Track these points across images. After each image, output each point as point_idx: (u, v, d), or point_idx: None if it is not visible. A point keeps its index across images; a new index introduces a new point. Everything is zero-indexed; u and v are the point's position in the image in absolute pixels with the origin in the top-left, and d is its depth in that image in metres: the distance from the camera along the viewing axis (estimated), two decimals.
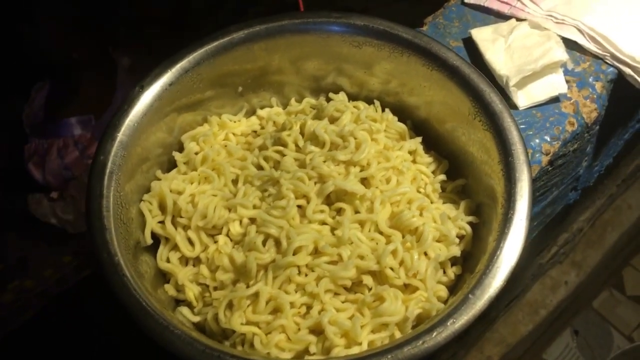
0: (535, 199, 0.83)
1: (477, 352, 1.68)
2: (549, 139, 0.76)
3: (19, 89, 1.50)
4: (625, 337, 1.92)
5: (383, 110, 0.73)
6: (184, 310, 0.60)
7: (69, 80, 1.45)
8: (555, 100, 0.79)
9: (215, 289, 0.61)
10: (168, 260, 0.63)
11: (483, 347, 1.70)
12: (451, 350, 1.47)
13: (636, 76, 0.80)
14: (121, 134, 0.62)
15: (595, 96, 0.80)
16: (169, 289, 0.62)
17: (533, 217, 0.88)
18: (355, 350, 0.55)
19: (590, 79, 0.81)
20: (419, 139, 0.71)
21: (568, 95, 0.80)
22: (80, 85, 1.42)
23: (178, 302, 0.63)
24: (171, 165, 0.70)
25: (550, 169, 0.79)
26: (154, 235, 0.63)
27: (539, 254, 1.53)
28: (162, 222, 0.64)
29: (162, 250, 0.63)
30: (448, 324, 0.51)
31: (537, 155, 0.76)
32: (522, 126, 0.77)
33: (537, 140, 0.76)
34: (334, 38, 0.70)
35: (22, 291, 1.59)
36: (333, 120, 0.70)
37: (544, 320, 1.74)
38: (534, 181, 0.75)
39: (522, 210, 0.57)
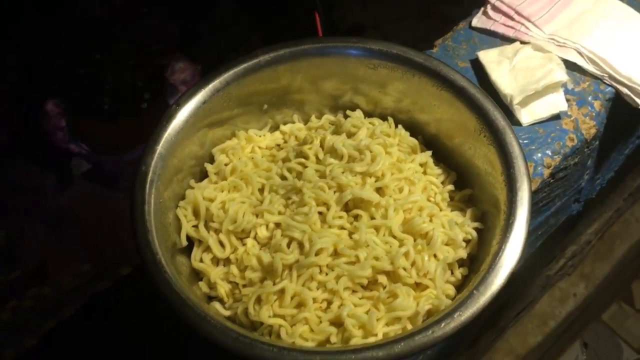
0: (538, 209, 0.89)
1: None
2: (550, 153, 0.82)
3: None
4: (635, 351, 1.94)
5: (396, 126, 0.79)
6: (216, 305, 0.67)
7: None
8: (557, 117, 0.85)
9: (244, 286, 0.67)
10: (201, 261, 0.69)
11: (493, 357, 1.73)
12: (463, 358, 1.51)
13: (633, 96, 0.86)
14: (160, 147, 0.68)
15: (594, 114, 0.86)
16: (202, 286, 0.68)
17: (537, 227, 0.94)
18: (371, 340, 0.61)
19: (590, 98, 0.87)
20: (429, 152, 0.77)
21: (568, 113, 0.86)
22: None
23: (210, 299, 0.69)
24: (203, 175, 0.76)
25: (552, 181, 0.85)
26: (188, 238, 0.70)
27: (546, 265, 1.58)
28: (196, 226, 0.70)
29: (196, 252, 0.70)
30: (455, 316, 0.57)
31: (539, 168, 0.82)
32: (525, 141, 0.83)
33: (539, 155, 0.82)
34: (351, 61, 0.76)
35: (40, 299, 1.65)
36: (350, 135, 0.77)
37: (553, 331, 1.77)
38: (536, 192, 0.82)
39: (522, 216, 0.63)
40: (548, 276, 1.67)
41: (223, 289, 0.68)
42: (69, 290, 1.66)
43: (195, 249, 0.70)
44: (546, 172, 0.82)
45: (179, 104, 0.71)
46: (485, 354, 1.70)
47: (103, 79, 1.49)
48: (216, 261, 0.70)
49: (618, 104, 0.90)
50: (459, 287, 0.68)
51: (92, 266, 1.65)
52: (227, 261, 0.70)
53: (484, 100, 0.70)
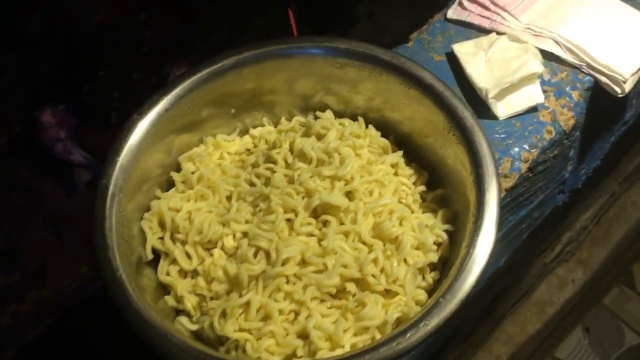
0: (519, 203, 0.87)
1: (485, 352, 1.71)
2: (527, 147, 0.81)
3: None
4: (637, 333, 1.93)
5: (367, 126, 0.77)
6: (183, 319, 0.65)
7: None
8: (534, 109, 0.83)
9: (212, 299, 0.66)
10: (168, 274, 0.68)
11: (491, 347, 1.72)
12: (458, 350, 1.50)
13: (612, 84, 0.84)
14: (122, 158, 0.67)
15: (572, 104, 0.84)
16: (169, 300, 0.67)
17: (520, 221, 0.92)
18: (338, 352, 0.59)
19: (567, 88, 0.85)
20: (400, 152, 0.75)
21: (546, 105, 0.84)
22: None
23: (178, 312, 0.68)
24: (170, 184, 0.75)
25: (530, 175, 0.83)
26: (154, 251, 0.68)
27: (540, 254, 1.56)
28: (161, 238, 0.69)
29: (162, 264, 0.68)
30: (420, 326, 0.56)
31: (516, 163, 0.80)
32: (502, 135, 0.81)
33: (516, 149, 0.80)
34: (317, 61, 0.74)
35: (39, 301, 1.64)
36: (320, 137, 0.75)
37: (552, 318, 1.76)
38: (514, 187, 0.80)
39: (490, 218, 0.61)
40: (544, 264, 1.66)
41: (190, 302, 0.66)
42: (68, 292, 1.66)
43: (161, 262, 0.68)
44: (524, 167, 0.80)
45: (141, 113, 0.70)
46: (483, 344, 1.69)
47: (109, 96, 1.48)
48: (183, 273, 0.68)
49: (598, 92, 0.87)
50: (431, 291, 0.67)
51: (91, 267, 1.65)
52: (194, 273, 0.68)
53: (452, 98, 0.68)
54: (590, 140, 0.99)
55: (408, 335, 0.55)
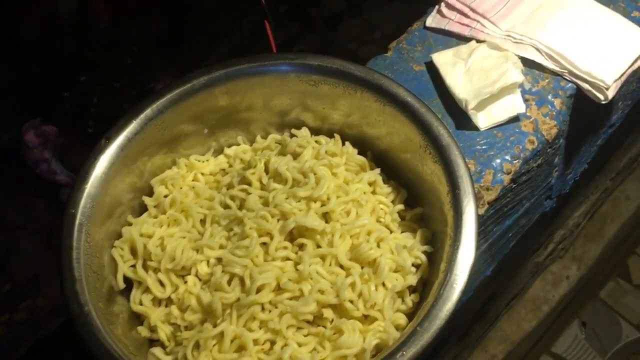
0: (503, 213, 0.86)
1: (481, 351, 1.70)
2: (509, 159, 0.79)
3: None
4: (634, 326, 1.92)
5: (344, 144, 0.75)
6: (157, 350, 0.64)
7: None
8: (515, 119, 0.81)
9: (186, 328, 0.64)
10: (141, 303, 0.66)
11: (487, 346, 1.71)
12: (454, 351, 1.49)
13: (594, 91, 0.82)
14: (89, 186, 0.65)
15: (554, 113, 0.82)
16: (142, 330, 0.65)
17: (506, 230, 0.91)
18: None
19: (550, 96, 0.83)
20: (378, 170, 0.73)
21: (528, 114, 0.82)
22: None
23: (152, 342, 0.66)
24: (143, 208, 0.73)
25: (514, 186, 0.81)
26: (127, 279, 0.66)
27: (533, 253, 1.55)
28: (133, 266, 0.67)
29: (135, 293, 0.66)
30: (397, 356, 0.54)
31: (499, 175, 0.78)
32: (483, 147, 0.80)
33: (498, 161, 0.79)
34: (290, 78, 0.73)
35: (34, 310, 1.63)
36: (296, 156, 0.73)
37: (548, 315, 1.75)
38: (497, 199, 0.78)
39: (468, 241, 0.59)
40: (537, 262, 1.65)
41: (164, 332, 0.65)
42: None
43: (134, 291, 0.67)
44: (506, 179, 0.78)
45: (109, 138, 0.68)
46: (478, 344, 1.68)
47: (88, 101, 1.46)
48: (157, 302, 0.67)
49: (582, 98, 0.86)
50: (412, 314, 0.65)
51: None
52: (168, 301, 0.67)
53: (428, 115, 0.67)
54: (576, 145, 0.97)
55: None
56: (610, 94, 0.81)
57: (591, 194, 1.68)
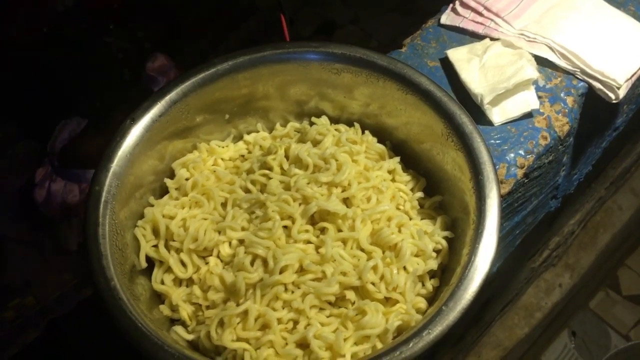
0: (514, 209, 0.87)
1: (474, 356, 1.71)
2: (523, 153, 0.80)
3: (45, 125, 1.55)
4: (623, 337, 1.94)
5: (363, 132, 0.76)
6: (179, 329, 0.64)
7: (94, 115, 1.49)
8: (529, 115, 0.83)
9: (208, 308, 0.65)
10: (162, 282, 0.66)
11: (480, 352, 1.72)
12: (449, 355, 1.50)
13: (606, 90, 0.84)
14: (115, 165, 0.65)
15: (567, 110, 0.84)
16: (164, 309, 0.65)
17: (514, 227, 0.92)
18: None
19: (562, 94, 0.85)
20: (397, 158, 0.75)
21: (541, 111, 0.83)
22: (108, 122, 1.46)
23: (173, 322, 0.66)
24: (163, 191, 0.73)
25: (526, 181, 0.82)
26: (148, 259, 0.67)
27: (530, 258, 1.56)
28: (155, 246, 0.67)
29: (157, 273, 0.67)
30: (423, 334, 0.55)
31: (512, 169, 0.79)
32: (497, 141, 0.81)
33: (512, 155, 0.80)
34: (313, 66, 0.74)
35: (23, 309, 1.62)
36: (316, 143, 0.74)
37: (540, 322, 1.76)
38: (510, 193, 0.80)
39: (492, 225, 0.60)
40: (532, 269, 1.66)
41: (185, 311, 0.65)
42: (53, 299, 1.64)
43: (155, 270, 0.67)
44: (520, 173, 0.80)
45: (134, 119, 0.68)
46: (472, 349, 1.69)
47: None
48: (178, 282, 0.67)
49: (592, 98, 0.87)
50: (431, 299, 0.66)
51: (74, 275, 1.63)
52: (189, 281, 0.67)
53: (451, 104, 0.68)
54: (583, 145, 0.99)
55: (411, 344, 0.54)
56: (622, 93, 0.83)
57: (587, 202, 1.70)
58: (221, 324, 0.61)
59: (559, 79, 0.86)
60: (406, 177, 0.73)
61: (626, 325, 1.96)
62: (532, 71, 0.81)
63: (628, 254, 2.03)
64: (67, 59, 1.46)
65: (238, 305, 0.62)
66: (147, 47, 1.56)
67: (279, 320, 0.61)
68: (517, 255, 1.14)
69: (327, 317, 0.63)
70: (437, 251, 0.67)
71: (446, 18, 0.93)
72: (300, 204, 0.68)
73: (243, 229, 0.68)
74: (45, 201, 1.51)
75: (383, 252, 0.65)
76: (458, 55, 0.87)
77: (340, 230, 0.67)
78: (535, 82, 0.84)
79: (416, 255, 0.66)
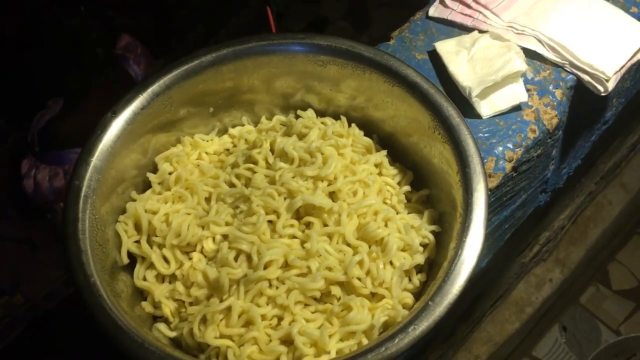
0: (502, 203, 0.86)
1: (465, 352, 1.71)
2: (511, 146, 0.79)
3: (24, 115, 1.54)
4: (613, 331, 1.95)
5: (350, 126, 0.75)
6: (161, 326, 0.63)
7: (75, 94, 1.47)
8: (517, 108, 0.82)
9: (191, 304, 0.63)
10: (145, 279, 0.65)
11: (471, 347, 1.72)
12: (439, 351, 1.49)
13: (594, 83, 0.83)
14: (95, 159, 0.64)
15: (555, 103, 0.83)
16: (146, 306, 0.64)
17: (503, 221, 0.91)
18: (324, 358, 0.57)
19: (551, 87, 0.84)
20: (384, 152, 0.73)
21: (529, 104, 0.82)
22: (84, 103, 1.44)
23: (155, 319, 0.65)
24: (146, 185, 0.72)
25: (514, 174, 0.82)
26: (130, 255, 0.65)
27: (520, 253, 1.56)
28: (137, 242, 0.66)
29: (139, 269, 0.65)
30: (409, 330, 0.54)
31: (501, 163, 0.79)
32: (486, 135, 0.80)
33: (500, 148, 0.79)
34: (299, 58, 0.72)
35: (11, 307, 1.60)
36: (302, 137, 0.73)
37: (531, 317, 1.76)
38: (499, 187, 0.79)
39: (479, 219, 0.59)
40: (523, 264, 1.66)
41: (168, 308, 0.64)
42: (42, 296, 1.62)
43: (137, 266, 0.66)
44: (508, 166, 0.79)
45: (115, 112, 0.67)
46: (463, 344, 1.68)
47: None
48: (161, 278, 0.66)
49: (581, 91, 0.87)
50: (418, 294, 0.65)
51: (64, 271, 1.61)
52: (172, 277, 0.66)
53: (438, 96, 0.67)
54: (572, 139, 0.98)
55: (397, 340, 0.53)
56: (610, 85, 0.82)
57: (577, 197, 1.70)
58: (204, 320, 0.60)
59: (548, 71, 0.86)
60: (393, 171, 0.72)
61: (616, 320, 1.96)
62: (520, 64, 0.80)
63: (618, 249, 2.03)
64: (38, 43, 1.45)
65: (221, 301, 0.61)
66: (117, 23, 1.54)
67: (263, 317, 0.60)
68: (507, 250, 1.14)
69: (312, 313, 0.62)
70: (424, 245, 0.66)
71: (434, 10, 0.92)
72: (285, 198, 0.67)
73: (227, 223, 0.66)
74: (35, 191, 1.51)
75: (369, 247, 0.64)
76: (446, 48, 0.86)
77: (326, 225, 0.66)
78: (523, 75, 0.84)
79: (403, 250, 0.65)
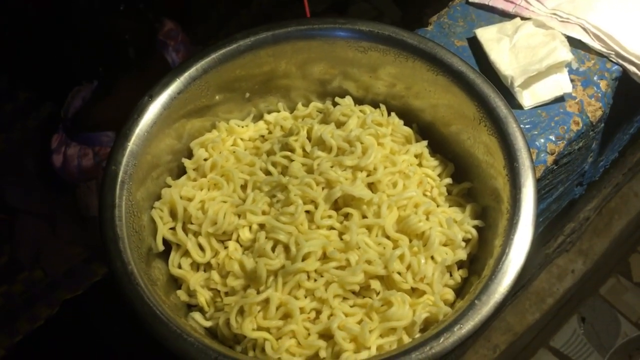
0: (540, 196, 0.84)
1: (484, 340, 1.70)
2: (554, 139, 0.77)
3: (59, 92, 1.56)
4: (633, 324, 1.93)
5: (389, 114, 0.73)
6: (196, 315, 0.62)
7: (107, 80, 1.49)
8: (560, 99, 0.79)
9: (227, 294, 0.62)
10: (180, 267, 0.64)
11: (490, 336, 1.71)
12: None
13: None
14: (132, 144, 0.63)
15: (600, 95, 0.81)
16: (181, 294, 0.63)
17: (539, 215, 0.89)
18: (364, 354, 0.56)
19: (595, 78, 0.81)
20: (425, 142, 0.71)
21: (573, 95, 0.80)
22: (117, 88, 1.46)
23: (190, 307, 0.64)
24: (181, 171, 0.71)
25: (555, 167, 0.79)
26: (165, 242, 0.64)
27: (545, 244, 1.54)
28: (173, 229, 0.65)
29: (174, 257, 0.64)
30: (455, 329, 0.52)
31: (542, 155, 0.76)
32: (527, 126, 0.78)
33: (542, 140, 0.77)
34: (339, 43, 0.70)
35: (31, 282, 1.62)
36: (339, 125, 0.71)
37: (551, 308, 1.75)
38: (539, 180, 0.77)
39: (528, 216, 0.58)
40: (546, 254, 1.64)
41: (203, 297, 0.62)
42: (62, 273, 1.63)
43: (172, 254, 0.65)
44: (550, 159, 0.76)
45: (152, 96, 0.65)
46: (482, 333, 1.67)
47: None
48: (196, 266, 0.65)
49: (624, 82, 0.84)
50: (459, 290, 0.63)
51: (85, 248, 1.62)
52: (207, 266, 0.64)
53: (484, 86, 0.65)
54: (611, 132, 0.95)
55: (442, 339, 0.52)
56: None
57: (604, 188, 1.67)
58: (241, 312, 0.59)
59: (593, 61, 0.83)
60: (434, 162, 0.70)
61: (636, 312, 1.94)
62: (566, 53, 0.78)
63: None
64: (74, 36, 1.47)
65: (259, 292, 0.59)
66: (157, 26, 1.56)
67: (301, 310, 0.59)
68: (536, 242, 1.12)
69: (351, 307, 0.60)
70: (467, 241, 0.65)
71: None
72: (323, 188, 0.65)
73: (264, 212, 0.65)
74: (63, 166, 1.53)
75: (410, 241, 0.63)
76: (487, 35, 0.83)
77: (365, 217, 0.64)
78: (567, 65, 0.81)
79: (445, 245, 0.63)
